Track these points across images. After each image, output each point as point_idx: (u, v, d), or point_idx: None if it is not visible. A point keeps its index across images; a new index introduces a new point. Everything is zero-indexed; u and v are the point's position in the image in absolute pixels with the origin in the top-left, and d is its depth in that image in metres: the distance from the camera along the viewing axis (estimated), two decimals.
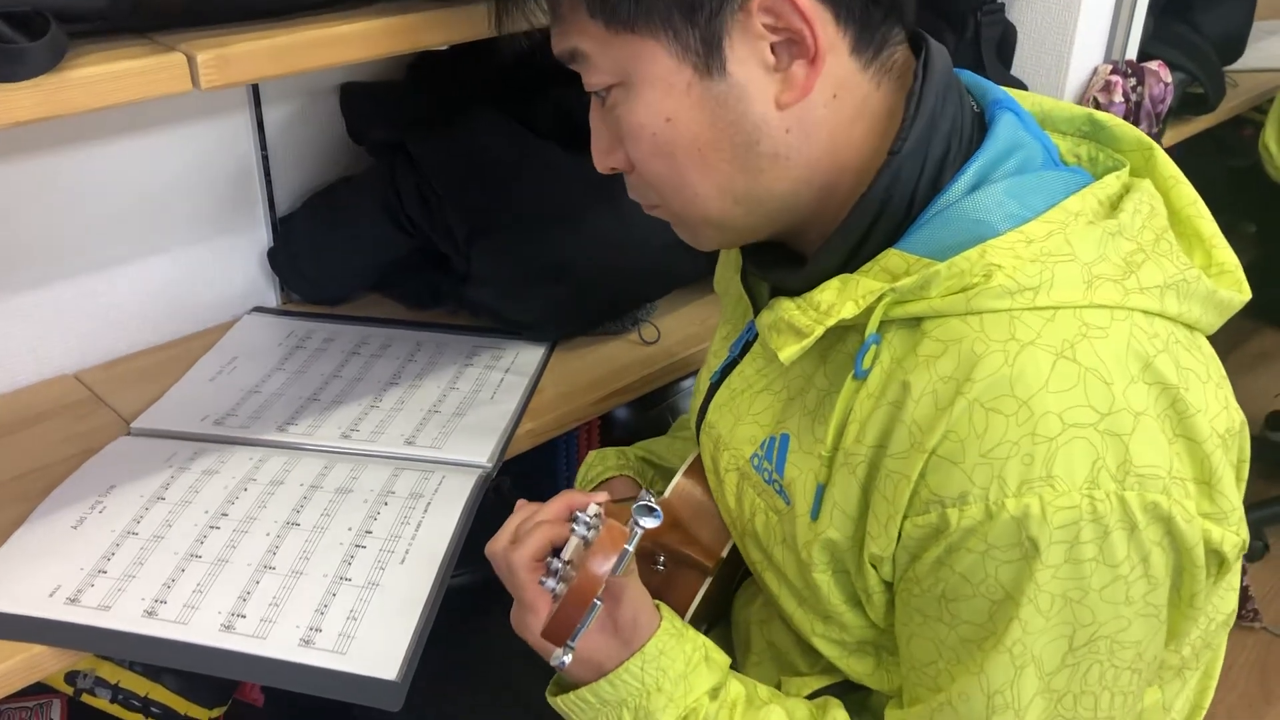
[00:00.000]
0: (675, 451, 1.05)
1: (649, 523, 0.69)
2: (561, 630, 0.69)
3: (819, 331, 0.68)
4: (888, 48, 0.70)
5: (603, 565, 0.68)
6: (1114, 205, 0.70)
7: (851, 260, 0.71)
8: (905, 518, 0.66)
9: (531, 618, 0.74)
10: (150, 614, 0.84)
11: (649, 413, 1.39)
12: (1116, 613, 0.64)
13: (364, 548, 0.92)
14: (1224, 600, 0.74)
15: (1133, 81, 1.52)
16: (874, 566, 0.70)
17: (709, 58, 0.67)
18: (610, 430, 1.42)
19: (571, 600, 0.68)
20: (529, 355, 1.19)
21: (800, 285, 0.72)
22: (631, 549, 0.68)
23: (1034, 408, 0.61)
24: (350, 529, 0.93)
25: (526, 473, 1.26)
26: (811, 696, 0.80)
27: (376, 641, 0.83)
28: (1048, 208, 0.67)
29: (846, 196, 0.71)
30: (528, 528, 0.76)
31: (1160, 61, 1.58)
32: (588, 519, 0.71)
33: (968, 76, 0.76)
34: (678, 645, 0.75)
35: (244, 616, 0.85)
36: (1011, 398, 0.62)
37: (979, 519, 0.63)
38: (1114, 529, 0.62)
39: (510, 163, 1.20)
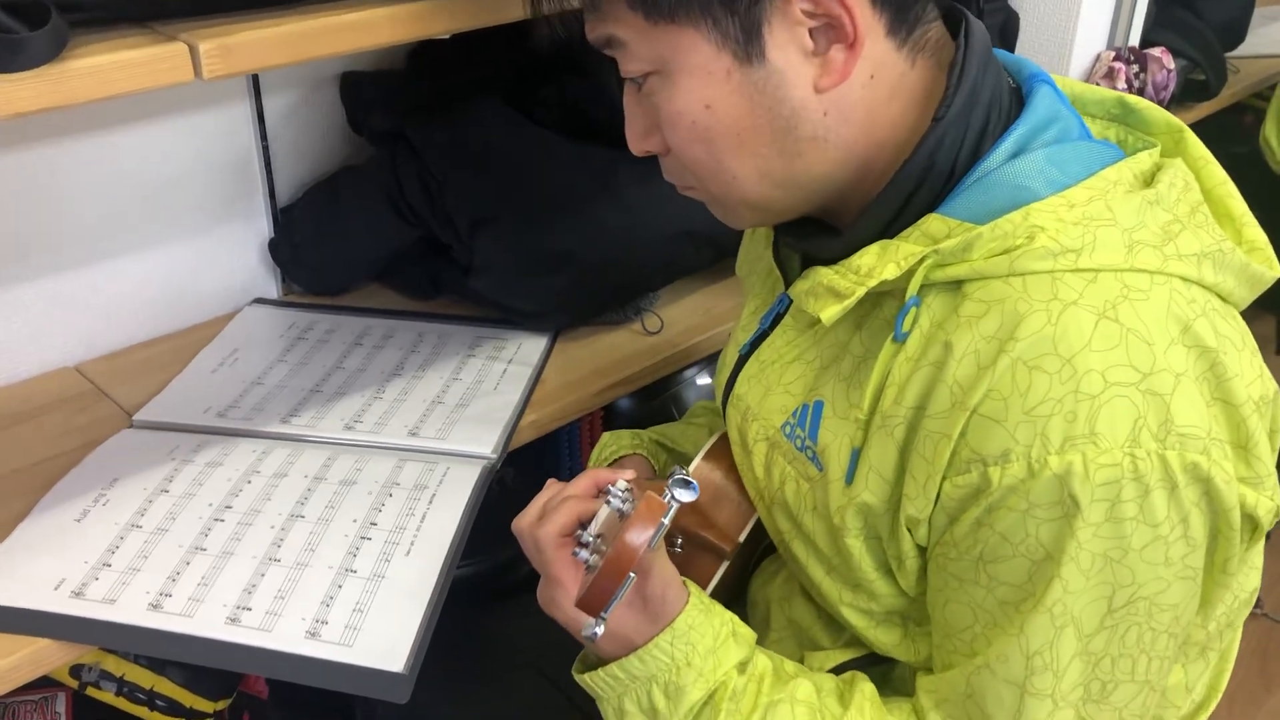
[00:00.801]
0: (689, 437, 1.05)
1: (686, 495, 0.69)
2: (596, 601, 0.69)
3: (860, 292, 0.69)
4: (921, 25, 0.71)
5: (640, 536, 0.68)
6: (1148, 181, 0.71)
7: (891, 227, 0.71)
8: (945, 478, 0.66)
9: (561, 592, 0.74)
10: (155, 607, 0.84)
11: (652, 403, 1.38)
12: (1156, 574, 0.65)
13: (369, 539, 0.91)
14: (1248, 577, 0.74)
15: (1135, 68, 1.51)
16: (909, 530, 0.70)
17: (748, 45, 0.67)
18: (613, 421, 1.41)
19: (608, 570, 0.68)
20: (532, 345, 1.19)
21: (838, 253, 0.73)
22: (668, 522, 0.69)
23: (1077, 366, 0.62)
24: (355, 520, 0.93)
25: (530, 463, 1.26)
26: (835, 671, 0.81)
27: (383, 633, 0.83)
28: (1087, 175, 0.68)
29: (884, 170, 0.72)
30: (555, 504, 0.76)
31: (1163, 48, 1.58)
32: (620, 492, 0.71)
33: (1003, 55, 0.77)
34: (706, 620, 0.75)
35: (249, 609, 0.84)
36: (1055, 356, 0.62)
37: (1021, 476, 0.63)
38: (1155, 488, 0.62)
39: (512, 152, 1.20)
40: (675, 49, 0.69)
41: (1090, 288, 0.64)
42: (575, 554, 0.72)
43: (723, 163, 0.72)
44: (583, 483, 0.78)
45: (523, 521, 0.78)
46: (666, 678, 0.74)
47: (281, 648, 0.82)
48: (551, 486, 0.80)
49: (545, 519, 0.76)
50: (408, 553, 0.90)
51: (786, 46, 0.67)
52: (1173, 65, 1.58)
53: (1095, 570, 0.64)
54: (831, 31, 0.67)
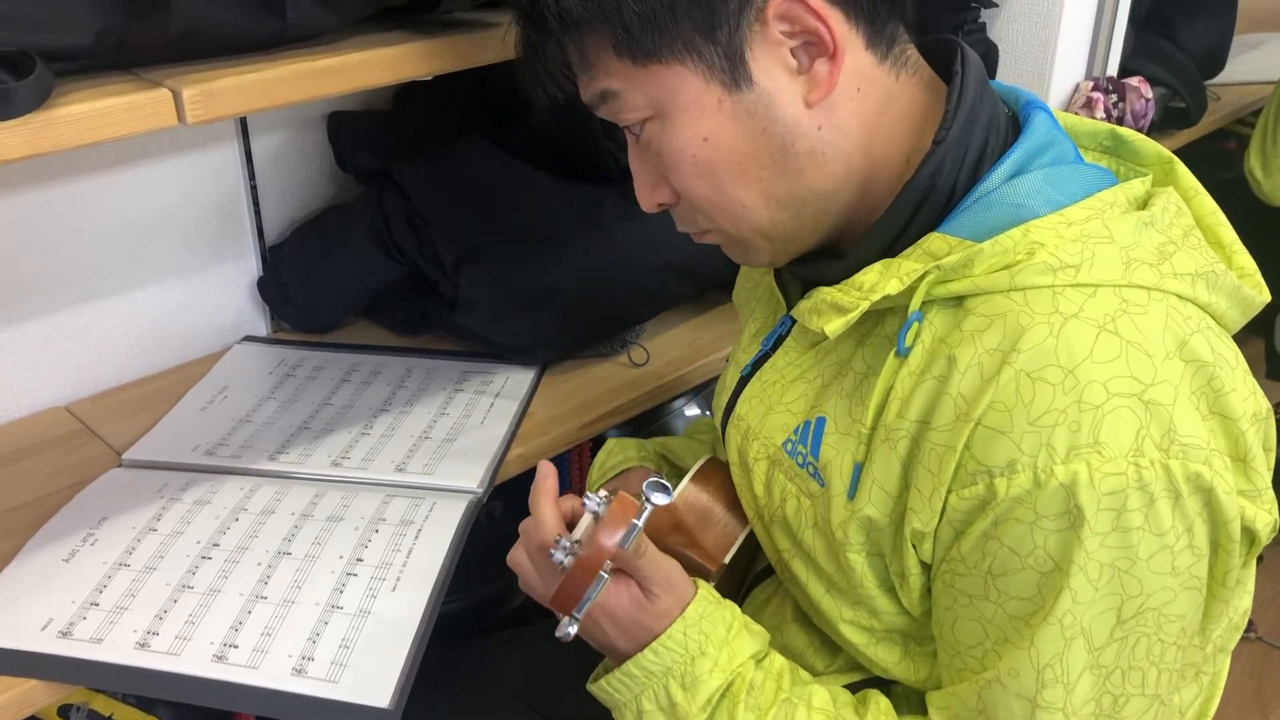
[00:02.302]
0: (691, 452, 1.06)
1: (660, 498, 0.70)
2: (567, 600, 0.70)
3: (864, 306, 0.70)
4: (898, 44, 0.73)
5: (611, 537, 0.69)
6: (1140, 206, 0.73)
7: (893, 247, 0.73)
8: (950, 490, 0.67)
9: (535, 585, 0.77)
10: (143, 645, 0.84)
11: (640, 435, 1.39)
12: (1163, 583, 0.65)
13: (355, 575, 0.92)
14: (1241, 599, 0.75)
15: (1114, 98, 1.53)
16: (914, 546, 0.71)
17: (734, 72, 0.70)
18: None
19: (578, 568, 0.69)
20: (519, 379, 1.20)
21: (841, 274, 0.74)
22: (641, 523, 0.70)
23: (1080, 376, 0.63)
24: (341, 557, 0.94)
25: (519, 496, 1.26)
26: None
27: (369, 669, 0.83)
28: (1084, 196, 0.70)
29: (883, 190, 0.74)
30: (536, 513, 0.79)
31: (1141, 77, 1.60)
32: (596, 497, 0.73)
33: (999, 84, 0.80)
34: (717, 611, 0.76)
35: (236, 647, 0.85)
36: (1057, 367, 0.64)
37: (1028, 487, 0.64)
38: (1159, 497, 0.63)
39: (496, 188, 1.21)
40: (665, 88, 0.71)
41: (1090, 302, 0.65)
42: (550, 555, 0.73)
43: (729, 194, 0.73)
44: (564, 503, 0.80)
45: (514, 553, 0.80)
46: (682, 669, 0.74)
47: (268, 685, 0.82)
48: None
49: (529, 526, 0.78)
50: (394, 588, 0.91)
51: (771, 68, 0.70)
52: (1151, 94, 1.60)
53: (1104, 580, 0.65)
54: (812, 48, 0.69)
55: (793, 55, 0.70)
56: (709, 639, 0.75)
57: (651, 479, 0.71)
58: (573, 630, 0.71)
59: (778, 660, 0.78)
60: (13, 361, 1.13)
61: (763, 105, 0.70)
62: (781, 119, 0.71)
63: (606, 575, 0.70)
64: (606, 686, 0.77)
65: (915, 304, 0.69)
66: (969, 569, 0.69)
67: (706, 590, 0.77)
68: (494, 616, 1.32)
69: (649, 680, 0.75)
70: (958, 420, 0.66)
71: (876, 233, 0.73)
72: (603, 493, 0.74)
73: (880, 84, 0.73)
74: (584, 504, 0.74)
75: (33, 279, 1.12)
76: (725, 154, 0.72)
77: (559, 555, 0.73)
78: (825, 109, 0.71)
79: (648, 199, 0.78)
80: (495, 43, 0.87)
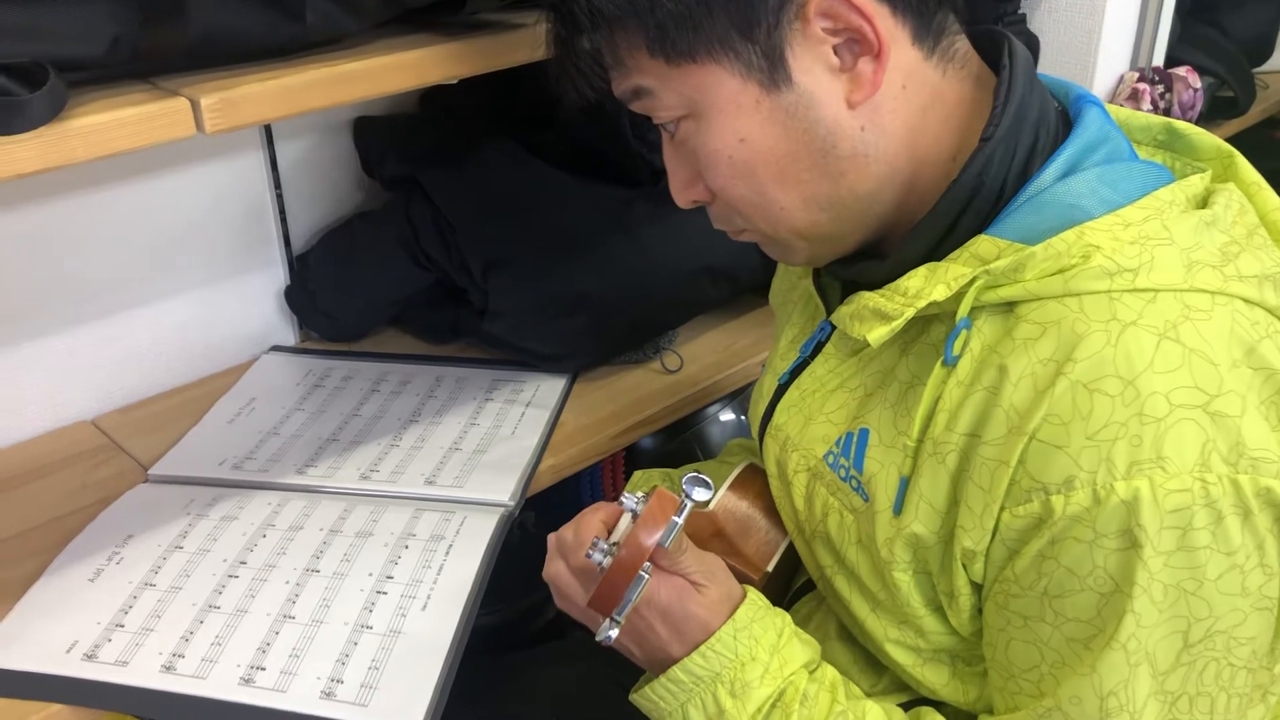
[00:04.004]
0: (724, 477, 1.03)
1: (701, 494, 0.67)
2: (607, 601, 0.68)
3: (909, 313, 0.67)
4: (946, 36, 0.70)
5: (650, 535, 0.67)
6: (1200, 204, 0.69)
7: (938, 250, 0.70)
8: (1003, 508, 0.64)
9: (577, 597, 0.74)
10: (168, 669, 0.82)
11: (674, 442, 1.36)
12: (1233, 605, 0.62)
13: (385, 594, 0.89)
14: None
15: (1161, 88, 1.48)
16: (964, 565, 0.68)
17: (773, 71, 0.67)
18: (635, 462, 1.39)
19: (616, 568, 0.67)
20: (549, 387, 1.17)
21: (884, 278, 0.71)
22: (681, 520, 0.67)
23: (1140, 388, 0.60)
24: (371, 574, 0.91)
25: (552, 506, 1.24)
26: None
27: (399, 691, 0.81)
28: (1141, 195, 0.66)
29: (928, 190, 0.70)
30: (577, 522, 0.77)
31: (1188, 67, 1.55)
32: (636, 496, 0.71)
33: (1048, 78, 0.76)
34: (769, 615, 0.73)
35: (263, 669, 0.83)
36: (1116, 378, 0.60)
37: (1086, 504, 0.61)
38: (1228, 514, 0.60)
39: (525, 193, 1.19)
40: (701, 88, 0.68)
41: (1149, 308, 0.62)
42: (588, 555, 0.71)
43: (767, 195, 0.70)
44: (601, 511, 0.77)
45: (549, 564, 0.78)
46: (732, 675, 0.71)
47: (296, 708, 0.80)
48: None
49: (567, 537, 0.76)
50: (424, 607, 0.88)
51: (812, 67, 0.67)
52: (1199, 84, 1.55)
53: (1169, 603, 0.61)
54: (856, 45, 0.66)
55: (835, 53, 0.66)
56: (759, 644, 0.72)
57: (691, 475, 0.69)
58: (614, 634, 0.69)
59: (830, 672, 0.75)
60: (39, 375, 1.12)
61: (803, 106, 0.67)
62: (822, 120, 0.68)
63: (647, 575, 0.67)
64: (651, 694, 0.74)
65: (963, 310, 0.65)
66: (1024, 590, 0.65)
67: (756, 594, 0.75)
68: (527, 630, 1.30)
69: (696, 686, 0.72)
70: (1010, 434, 0.63)
71: (921, 234, 0.70)
72: (640, 493, 0.71)
73: (927, 80, 0.69)
74: (621, 503, 0.71)
75: (57, 292, 1.11)
76: (763, 155, 0.69)
77: (597, 556, 0.70)
78: (869, 109, 0.68)
79: (682, 196, 0.75)
80: (522, 44, 0.85)
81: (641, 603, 0.71)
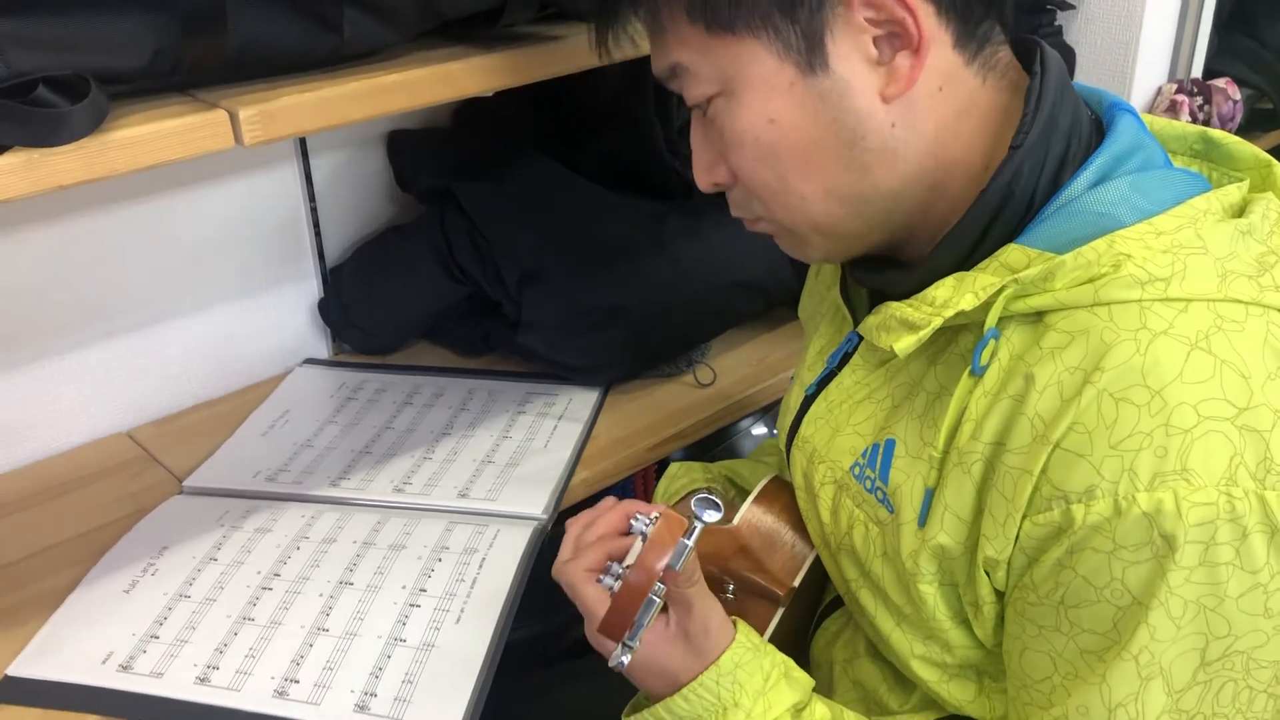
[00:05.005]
0: (759, 476, 1.02)
1: (710, 516, 0.66)
2: (617, 626, 0.67)
3: (937, 323, 0.66)
4: (990, 44, 0.69)
5: (659, 558, 0.66)
6: (1237, 214, 0.68)
7: (967, 260, 0.69)
8: (1025, 516, 0.63)
9: (591, 621, 0.72)
10: (203, 680, 0.82)
11: (706, 457, 1.35)
12: (1254, 625, 0.60)
13: (418, 607, 0.89)
14: None
15: (1199, 100, 1.47)
16: (988, 574, 0.67)
17: (811, 55, 0.66)
18: None
19: (625, 593, 0.66)
20: (582, 400, 1.17)
21: (911, 287, 0.70)
22: (691, 543, 0.66)
23: (1168, 398, 0.58)
24: (404, 587, 0.91)
25: None
26: None
27: (433, 705, 0.80)
28: (1175, 203, 0.65)
29: (957, 197, 0.69)
30: (587, 539, 0.75)
31: (1228, 78, 1.53)
32: (645, 518, 0.70)
33: (1082, 86, 0.75)
34: (755, 659, 0.72)
35: (297, 682, 0.82)
36: (1144, 388, 0.59)
37: (1106, 515, 0.60)
38: (1253, 531, 0.58)
39: (559, 206, 1.18)
40: (737, 63, 0.67)
41: (1181, 317, 0.60)
42: (600, 580, 0.71)
43: (789, 183, 0.70)
44: (612, 518, 0.76)
45: (557, 564, 0.76)
46: (712, 718, 0.71)
47: None
48: (577, 522, 0.78)
49: (577, 557, 0.74)
50: (458, 620, 0.88)
51: (850, 55, 0.66)
52: (1239, 96, 1.53)
53: (1188, 619, 0.60)
54: (896, 39, 0.65)
55: (874, 45, 0.66)
56: (743, 689, 0.71)
57: (701, 495, 0.67)
58: (626, 659, 0.68)
59: (819, 711, 0.73)
60: (74, 388, 1.12)
61: (836, 93, 0.66)
62: (854, 110, 0.67)
63: (659, 599, 0.66)
64: None
65: (992, 320, 0.64)
66: (1040, 598, 0.64)
67: (745, 636, 0.73)
68: (560, 645, 1.29)
69: None
70: (1035, 442, 0.62)
71: (950, 243, 0.69)
72: (653, 513, 0.70)
73: (965, 86, 0.68)
74: (630, 526, 0.70)
75: (93, 305, 1.11)
76: (790, 139, 0.68)
77: (608, 581, 0.70)
78: (902, 105, 0.67)
79: (704, 178, 0.74)
80: (558, 57, 0.85)
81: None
